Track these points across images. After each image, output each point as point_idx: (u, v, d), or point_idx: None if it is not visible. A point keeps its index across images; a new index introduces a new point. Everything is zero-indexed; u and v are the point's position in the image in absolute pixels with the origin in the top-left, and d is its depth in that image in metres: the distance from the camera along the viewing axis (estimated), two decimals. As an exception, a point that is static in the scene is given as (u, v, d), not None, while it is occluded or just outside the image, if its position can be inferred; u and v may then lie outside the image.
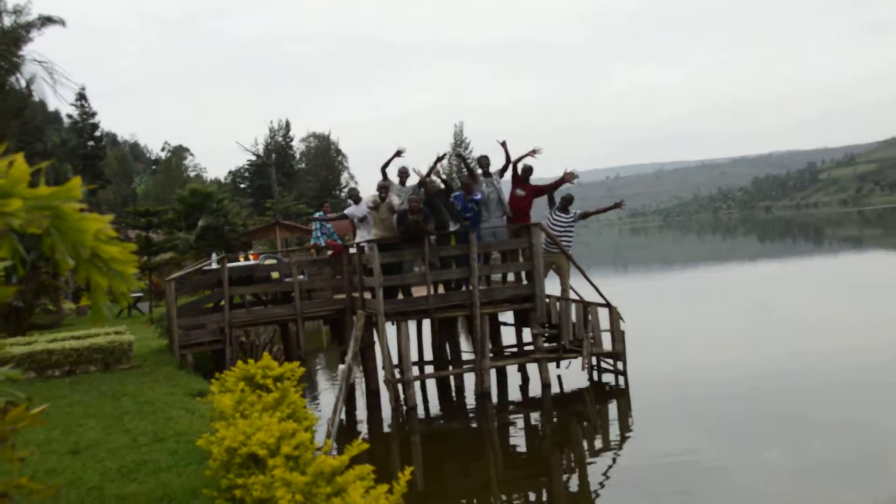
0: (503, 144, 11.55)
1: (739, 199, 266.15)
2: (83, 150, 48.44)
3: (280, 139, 61.38)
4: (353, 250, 12.03)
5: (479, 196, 11.01)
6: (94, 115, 50.34)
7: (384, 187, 10.91)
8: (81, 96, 49.70)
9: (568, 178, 11.62)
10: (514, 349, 12.63)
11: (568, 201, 11.91)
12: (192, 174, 67.86)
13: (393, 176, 11.70)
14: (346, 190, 55.83)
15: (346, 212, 12.11)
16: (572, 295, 11.73)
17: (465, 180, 11.13)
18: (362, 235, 11.69)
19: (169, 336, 11.24)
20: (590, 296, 11.67)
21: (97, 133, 50.91)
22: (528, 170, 11.71)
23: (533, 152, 11.50)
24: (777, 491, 6.62)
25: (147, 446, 5.99)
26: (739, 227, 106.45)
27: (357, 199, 11.95)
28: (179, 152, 72.71)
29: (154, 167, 74.02)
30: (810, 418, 8.85)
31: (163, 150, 76.29)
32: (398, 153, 11.58)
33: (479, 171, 11.88)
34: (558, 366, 12.06)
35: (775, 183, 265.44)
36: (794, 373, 11.16)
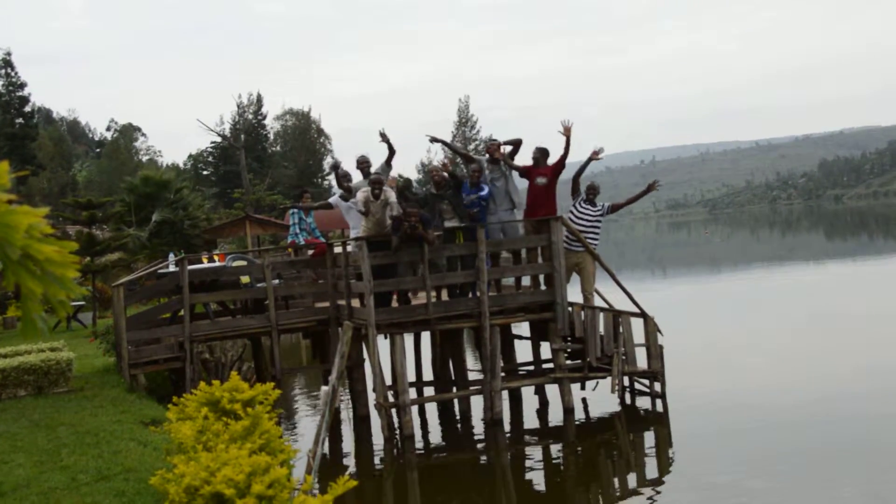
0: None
1: (803, 187, 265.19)
2: (10, 129, 48.52)
3: (250, 117, 61.43)
4: (338, 249, 12.04)
5: (485, 191, 10.95)
6: (22, 86, 50.42)
7: (378, 182, 10.84)
8: (7, 63, 49.81)
9: (594, 156, 11.62)
10: (531, 367, 12.64)
11: (594, 191, 11.92)
12: (145, 159, 67.91)
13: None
14: (329, 177, 55.89)
15: (331, 201, 12.09)
16: (597, 301, 11.73)
17: (476, 168, 11.10)
18: (353, 228, 11.67)
19: (116, 353, 11.27)
20: (621, 303, 11.67)
21: (27, 108, 50.98)
22: (545, 153, 11.69)
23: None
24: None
25: (88, 486, 6.00)
26: (803, 220, 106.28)
27: (348, 180, 11.81)
28: (128, 132, 72.72)
29: (98, 150, 74.11)
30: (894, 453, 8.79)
31: (108, 129, 76.49)
32: (387, 142, 11.69)
33: (486, 156, 11.89)
34: (583, 387, 12.07)
35: (848, 167, 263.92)
36: (871, 396, 11.14)
